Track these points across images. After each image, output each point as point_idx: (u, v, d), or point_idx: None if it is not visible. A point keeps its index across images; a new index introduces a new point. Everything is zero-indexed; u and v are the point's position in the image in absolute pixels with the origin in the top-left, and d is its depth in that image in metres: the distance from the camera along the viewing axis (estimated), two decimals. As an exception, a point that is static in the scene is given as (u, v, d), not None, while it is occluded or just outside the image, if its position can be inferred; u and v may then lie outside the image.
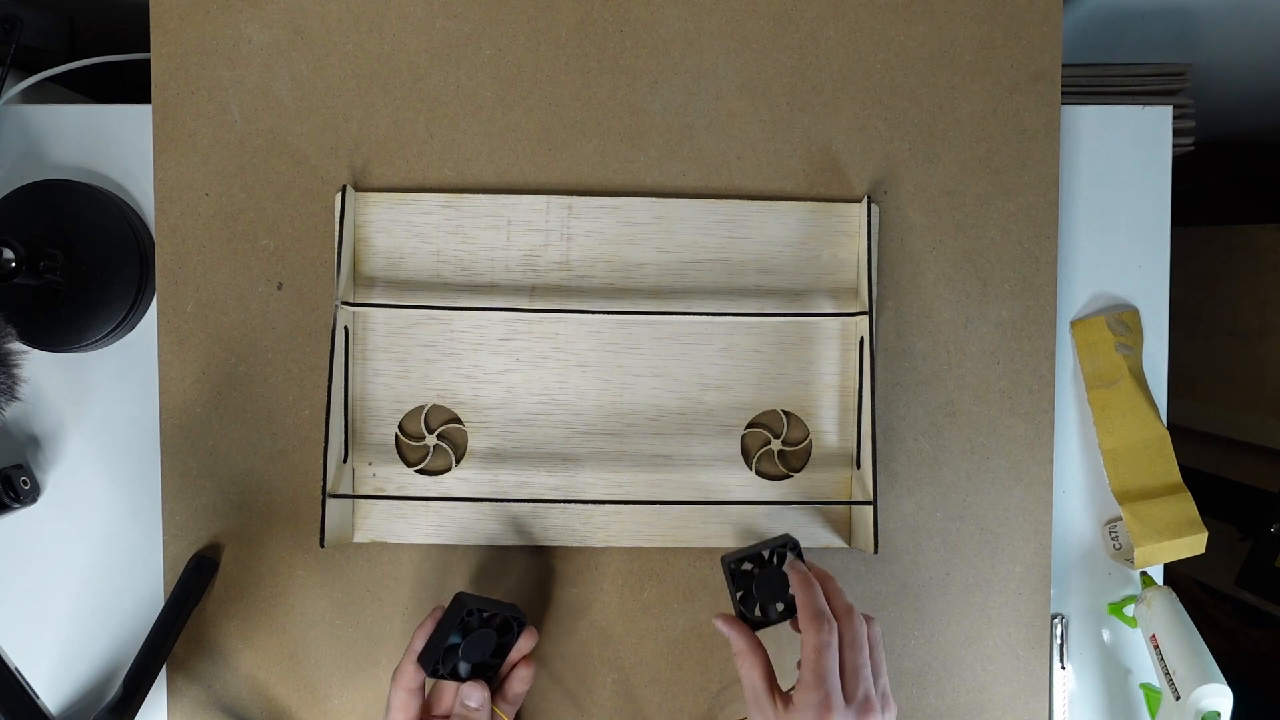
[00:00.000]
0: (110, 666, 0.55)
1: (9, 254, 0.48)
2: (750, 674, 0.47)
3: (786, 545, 0.50)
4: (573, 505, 0.53)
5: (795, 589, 0.48)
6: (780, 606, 0.49)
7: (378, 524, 0.53)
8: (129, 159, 0.56)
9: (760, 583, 0.49)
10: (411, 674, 0.48)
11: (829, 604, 0.47)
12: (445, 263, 0.54)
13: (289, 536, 0.54)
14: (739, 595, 0.49)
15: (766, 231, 0.54)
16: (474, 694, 0.48)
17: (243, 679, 0.54)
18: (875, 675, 0.46)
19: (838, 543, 0.54)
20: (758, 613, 0.49)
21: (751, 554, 0.50)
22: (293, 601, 0.54)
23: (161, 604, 0.53)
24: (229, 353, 0.54)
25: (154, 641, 0.51)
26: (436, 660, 0.47)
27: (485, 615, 0.48)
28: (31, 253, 0.49)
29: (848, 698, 0.45)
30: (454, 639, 0.47)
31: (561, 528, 0.54)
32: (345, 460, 0.53)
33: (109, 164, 0.56)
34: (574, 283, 0.54)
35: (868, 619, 0.47)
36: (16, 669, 0.46)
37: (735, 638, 0.48)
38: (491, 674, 0.49)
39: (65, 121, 0.56)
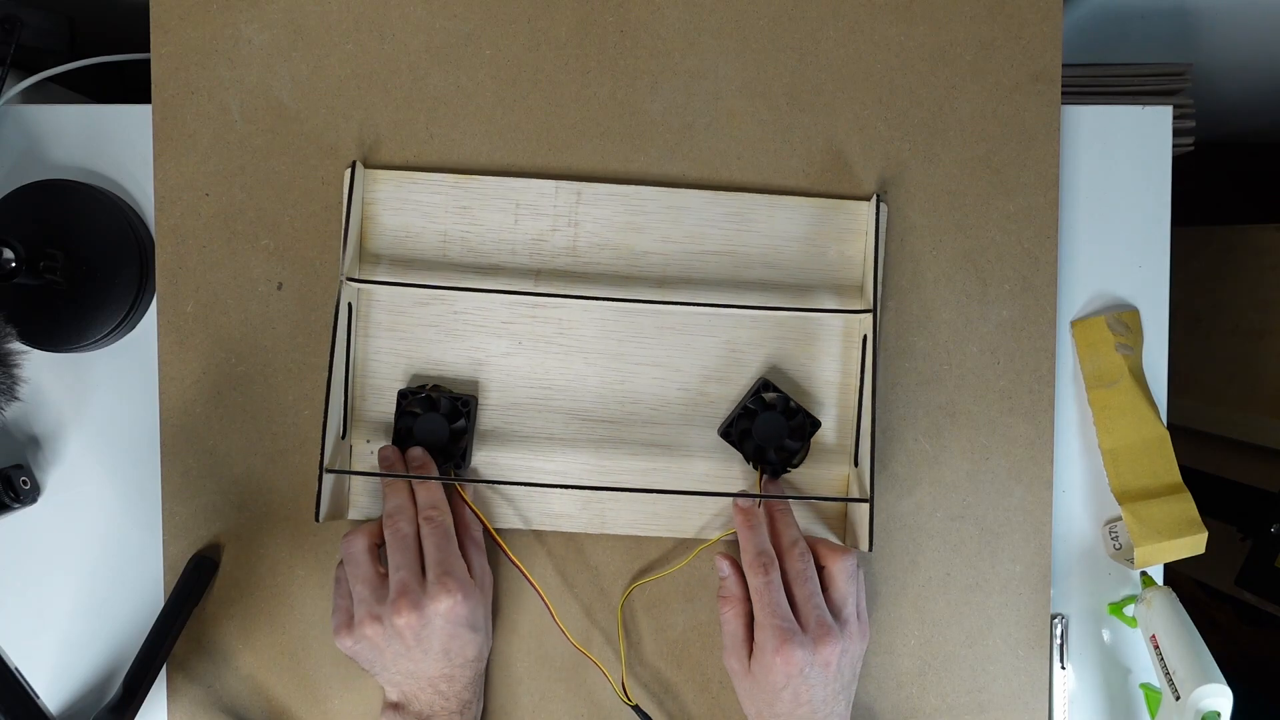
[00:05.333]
0: (110, 666, 0.55)
1: (9, 254, 0.48)
2: (733, 621, 0.50)
3: (760, 389, 0.53)
4: (569, 490, 0.53)
5: (739, 531, 0.51)
6: (790, 440, 0.53)
7: (374, 501, 0.53)
8: (129, 159, 0.56)
9: (760, 434, 0.52)
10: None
11: (778, 540, 0.50)
12: (452, 243, 0.54)
13: (289, 536, 0.54)
14: (754, 453, 0.53)
15: (774, 226, 0.54)
16: (416, 453, 0.52)
17: (243, 679, 0.54)
18: (841, 603, 0.49)
19: (834, 540, 0.54)
20: (772, 457, 0.53)
21: (737, 414, 0.53)
22: (293, 601, 0.54)
23: (161, 604, 0.53)
24: (229, 353, 0.54)
25: (154, 641, 0.51)
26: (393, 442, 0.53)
27: (426, 397, 0.52)
28: (31, 253, 0.49)
29: (803, 626, 0.48)
30: (403, 424, 0.52)
31: (558, 513, 0.54)
32: (344, 437, 0.53)
33: (109, 164, 0.56)
34: (579, 269, 0.54)
35: (844, 551, 0.50)
36: (16, 669, 0.46)
37: (732, 581, 0.51)
38: (451, 464, 0.53)
39: (65, 121, 0.56)
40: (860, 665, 0.51)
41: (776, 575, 0.49)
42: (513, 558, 0.52)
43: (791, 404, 0.53)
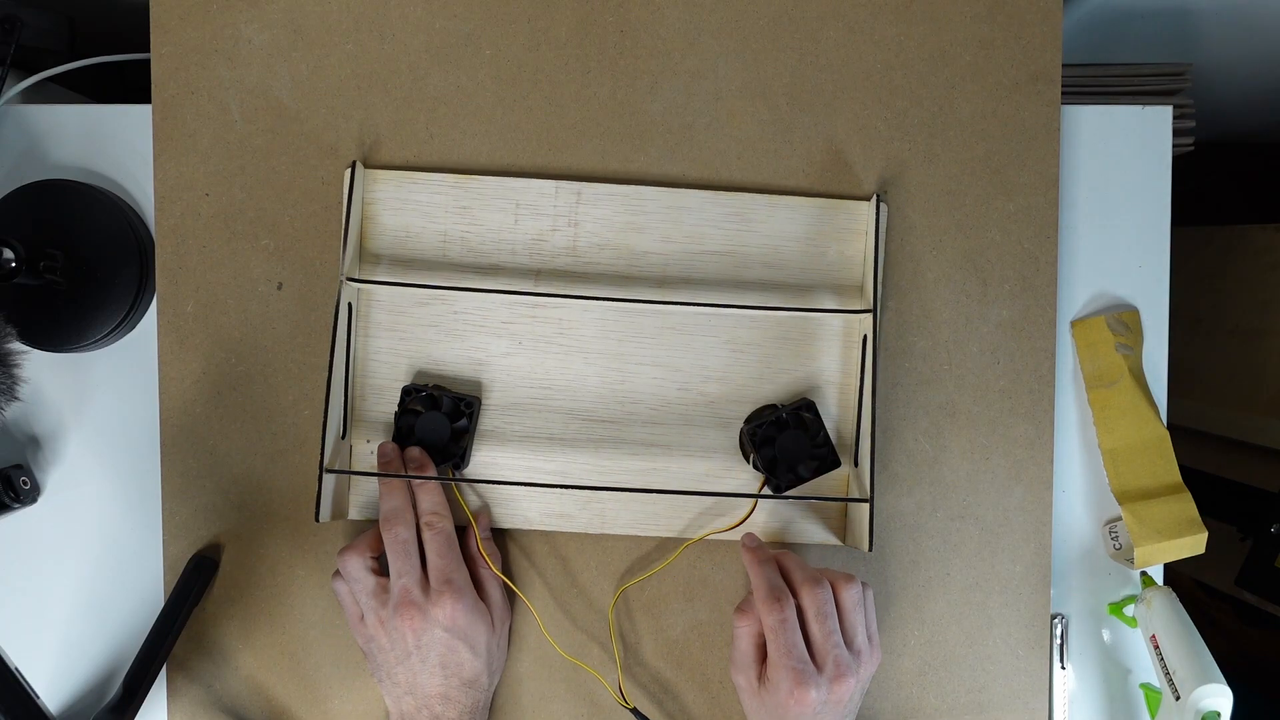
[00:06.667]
0: (110, 666, 0.55)
1: (9, 254, 0.48)
2: (745, 636, 0.49)
3: (802, 408, 0.52)
4: (569, 490, 0.53)
5: (748, 569, 0.50)
6: (807, 466, 0.52)
7: (374, 500, 0.53)
8: (129, 159, 0.56)
9: (782, 448, 0.51)
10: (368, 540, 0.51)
11: (791, 577, 0.49)
12: (452, 243, 0.54)
13: (289, 536, 0.54)
14: (767, 463, 0.52)
15: (774, 226, 0.54)
16: (414, 454, 0.51)
17: (243, 679, 0.54)
18: (851, 634, 0.48)
19: (833, 540, 0.54)
20: (782, 473, 0.52)
21: (771, 420, 0.52)
22: (293, 601, 0.54)
23: (161, 604, 0.53)
24: (229, 353, 0.54)
25: (154, 641, 0.51)
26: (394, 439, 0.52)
27: (429, 395, 0.52)
28: (31, 253, 0.49)
29: (819, 667, 0.46)
30: (405, 422, 0.52)
31: (558, 513, 0.54)
32: (344, 437, 0.53)
33: (109, 164, 0.56)
34: (580, 269, 0.54)
35: (848, 579, 0.48)
36: (16, 669, 0.46)
37: (756, 586, 0.49)
38: (450, 464, 0.52)
39: (65, 121, 0.56)
40: (868, 684, 0.50)
41: (791, 612, 0.47)
42: (498, 571, 0.52)
43: (823, 434, 0.52)
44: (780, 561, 0.50)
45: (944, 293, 0.54)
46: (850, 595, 0.48)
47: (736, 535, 0.53)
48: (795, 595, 0.48)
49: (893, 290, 0.54)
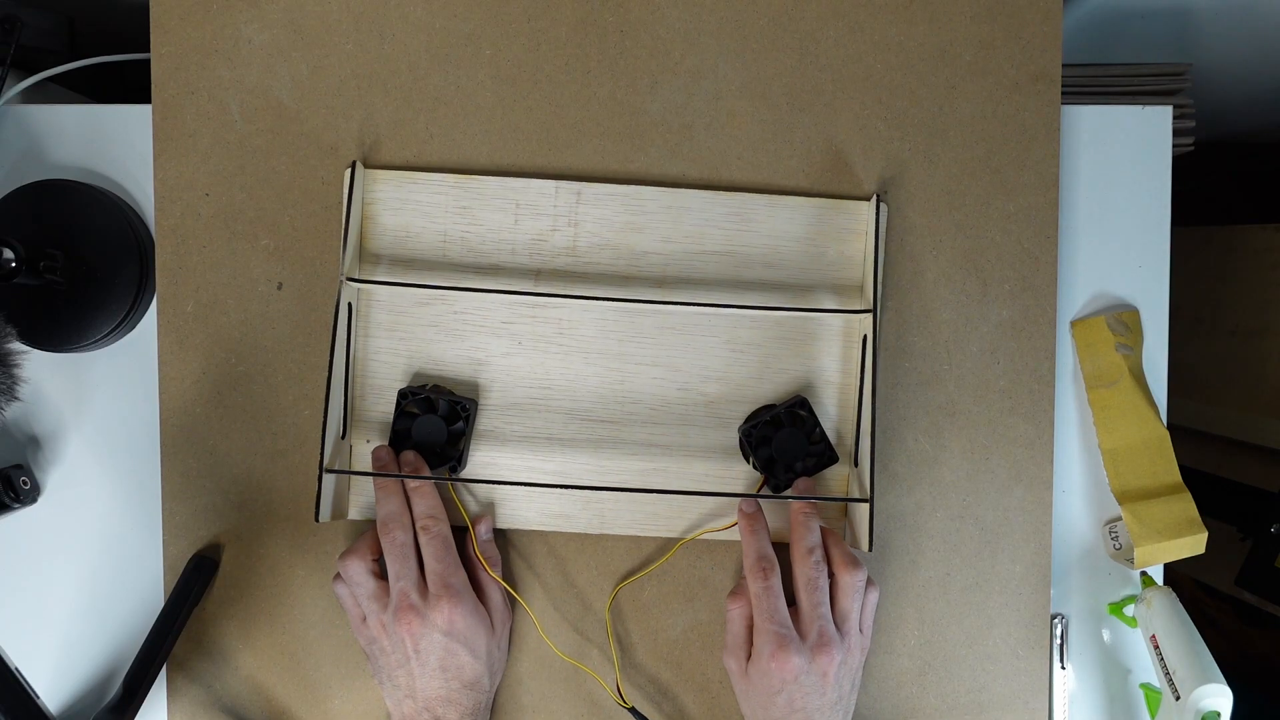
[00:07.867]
0: (110, 666, 0.55)
1: (9, 254, 0.48)
2: (738, 621, 0.50)
3: (796, 405, 0.52)
4: (569, 490, 0.53)
5: (741, 533, 0.51)
6: (804, 464, 0.52)
7: (374, 501, 0.53)
8: (129, 159, 0.56)
9: (779, 447, 0.52)
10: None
11: (796, 542, 0.50)
12: (452, 243, 0.54)
13: (289, 536, 0.54)
14: (763, 462, 0.52)
15: (774, 226, 0.54)
16: (409, 457, 0.51)
17: (243, 679, 0.54)
18: (842, 618, 0.49)
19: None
20: (780, 472, 0.52)
21: (766, 420, 0.52)
22: (293, 601, 0.54)
23: (161, 604, 0.53)
24: (229, 353, 0.54)
25: (154, 641, 0.51)
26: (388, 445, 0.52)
27: (426, 398, 0.52)
28: (31, 253, 0.49)
29: (803, 634, 0.47)
30: (401, 425, 0.52)
31: (557, 513, 0.54)
32: (344, 437, 0.53)
33: (109, 164, 0.56)
34: (580, 269, 0.54)
35: (854, 567, 0.49)
36: (16, 669, 0.46)
37: (745, 554, 0.50)
38: (447, 467, 0.52)
39: (65, 121, 0.56)
40: (860, 677, 0.51)
41: (776, 581, 0.48)
42: (497, 577, 0.52)
43: (818, 431, 0.53)
44: (795, 523, 0.51)
45: (944, 293, 0.54)
46: (851, 582, 0.49)
47: (734, 535, 0.53)
48: (794, 563, 0.49)
49: (893, 290, 0.54)
